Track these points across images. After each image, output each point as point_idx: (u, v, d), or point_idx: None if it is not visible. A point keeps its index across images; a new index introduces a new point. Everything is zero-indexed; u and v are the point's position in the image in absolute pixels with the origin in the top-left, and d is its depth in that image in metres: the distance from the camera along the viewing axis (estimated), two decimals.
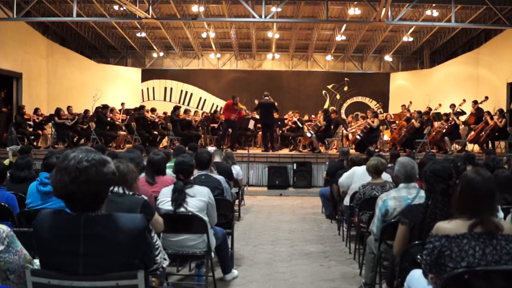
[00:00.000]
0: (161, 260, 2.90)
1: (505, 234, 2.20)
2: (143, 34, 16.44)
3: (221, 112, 13.25)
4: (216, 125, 13.38)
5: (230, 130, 11.86)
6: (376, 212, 3.57)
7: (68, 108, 12.39)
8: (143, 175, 4.28)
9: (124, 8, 12.15)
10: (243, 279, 4.37)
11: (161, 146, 12.68)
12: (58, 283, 1.81)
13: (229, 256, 4.35)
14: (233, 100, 11.66)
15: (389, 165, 5.74)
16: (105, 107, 12.04)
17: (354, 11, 12.61)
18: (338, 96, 18.74)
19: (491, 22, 13.03)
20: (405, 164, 3.56)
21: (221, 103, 17.62)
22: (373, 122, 11.35)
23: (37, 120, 12.18)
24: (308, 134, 11.62)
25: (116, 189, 2.87)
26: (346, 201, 5.41)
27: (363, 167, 5.52)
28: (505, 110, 11.41)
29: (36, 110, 12.38)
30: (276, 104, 11.69)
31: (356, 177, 5.38)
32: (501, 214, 2.89)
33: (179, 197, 3.63)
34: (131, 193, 2.92)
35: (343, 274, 4.56)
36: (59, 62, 15.48)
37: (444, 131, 11.48)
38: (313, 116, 13.95)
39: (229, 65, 19.17)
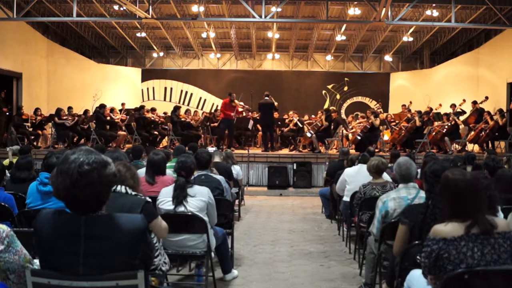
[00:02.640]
0: (160, 263, 2.89)
1: (501, 232, 2.20)
2: (143, 34, 16.44)
3: (219, 110, 13.23)
4: (216, 124, 13.35)
5: (227, 130, 11.85)
6: (376, 214, 3.57)
7: (69, 109, 12.36)
8: (142, 174, 4.28)
9: (124, 8, 12.15)
10: (243, 279, 4.37)
11: (161, 146, 12.67)
12: (58, 283, 1.81)
13: (229, 256, 4.35)
14: (230, 97, 11.68)
15: (389, 165, 5.75)
16: (102, 106, 11.98)
17: (354, 11, 12.61)
18: (338, 96, 18.73)
19: (491, 22, 13.03)
20: (400, 165, 3.56)
21: (221, 103, 17.58)
22: (374, 122, 11.33)
23: (35, 121, 12.15)
24: (308, 134, 11.61)
25: (118, 188, 2.86)
26: (346, 200, 5.41)
27: (354, 168, 5.56)
28: (505, 110, 11.42)
29: (36, 110, 12.37)
30: (276, 104, 11.69)
31: (349, 177, 5.40)
32: (501, 215, 2.88)
33: (180, 194, 3.62)
34: (133, 193, 2.91)
35: (343, 274, 4.56)
36: (59, 62, 15.48)
37: (444, 131, 11.48)
38: (313, 116, 13.93)
39: (229, 65, 19.16)
